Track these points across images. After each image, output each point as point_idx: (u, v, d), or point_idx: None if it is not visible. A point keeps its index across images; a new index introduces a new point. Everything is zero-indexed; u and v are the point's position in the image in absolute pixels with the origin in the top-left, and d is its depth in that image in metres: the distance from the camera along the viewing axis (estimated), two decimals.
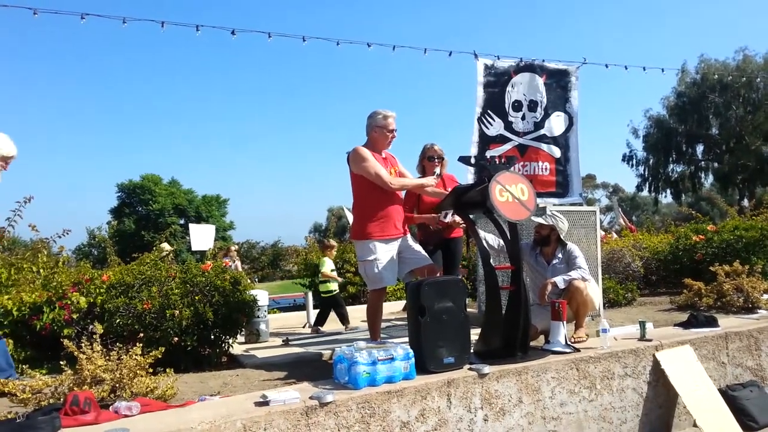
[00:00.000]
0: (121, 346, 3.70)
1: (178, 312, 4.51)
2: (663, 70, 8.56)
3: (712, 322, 5.03)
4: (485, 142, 6.02)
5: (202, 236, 14.22)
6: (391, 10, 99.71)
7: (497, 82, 6.12)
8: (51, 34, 77.64)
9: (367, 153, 4.51)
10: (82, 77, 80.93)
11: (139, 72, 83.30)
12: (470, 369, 3.77)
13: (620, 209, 18.00)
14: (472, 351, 4.08)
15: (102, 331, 3.98)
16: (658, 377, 4.38)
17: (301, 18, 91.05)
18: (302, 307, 7.85)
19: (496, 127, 6.07)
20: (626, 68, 7.77)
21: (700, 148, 37.98)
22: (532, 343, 4.42)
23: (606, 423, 4.14)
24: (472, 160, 4.27)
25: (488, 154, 5.83)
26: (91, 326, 4.42)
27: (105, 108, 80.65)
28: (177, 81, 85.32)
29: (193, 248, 13.96)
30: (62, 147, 77.43)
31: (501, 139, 6.09)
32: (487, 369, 3.74)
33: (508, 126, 6.12)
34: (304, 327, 7.05)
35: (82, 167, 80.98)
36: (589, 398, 4.10)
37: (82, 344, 3.58)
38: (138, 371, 3.51)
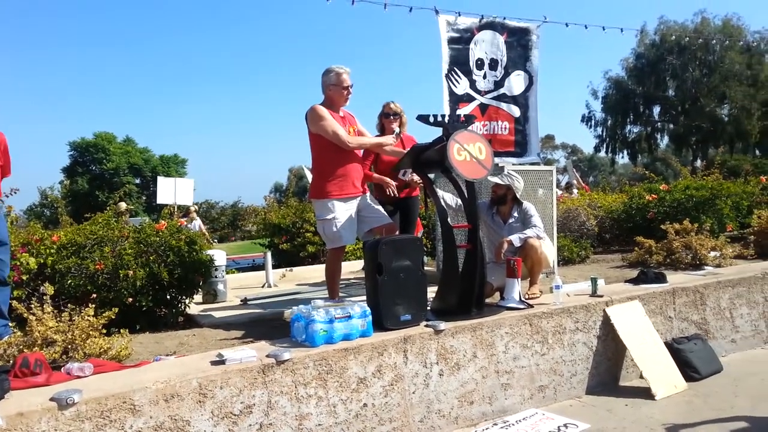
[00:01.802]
0: (74, 307, 3.63)
1: (131, 272, 4.44)
2: (622, 30, 8.56)
3: (661, 279, 5.19)
4: (455, 101, 5.95)
5: (170, 190, 13.90)
6: None
7: (461, 38, 6.03)
8: None
9: (324, 111, 4.45)
10: (39, 32, 77.23)
11: (91, 27, 79.90)
12: (426, 326, 3.82)
13: (574, 169, 18.31)
14: (429, 308, 4.13)
15: (53, 292, 3.89)
16: (608, 331, 4.53)
17: None
18: (261, 267, 7.81)
19: (463, 86, 6.02)
20: (586, 27, 7.74)
21: (657, 110, 38.66)
22: (487, 300, 4.50)
23: (557, 376, 4.28)
24: (431, 119, 4.24)
25: (458, 112, 5.81)
26: (41, 287, 4.31)
27: (58, 64, 77.40)
28: (132, 39, 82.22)
29: (159, 201, 13.64)
30: (10, 102, 74.29)
31: (468, 98, 6.05)
32: (442, 325, 3.81)
33: (473, 84, 6.08)
34: (263, 287, 7.03)
35: (31, 125, 77.97)
36: (541, 352, 4.22)
37: (32, 306, 3.49)
38: (91, 332, 3.45)
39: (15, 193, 6.02)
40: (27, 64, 74.68)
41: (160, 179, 14.72)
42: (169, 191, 13.82)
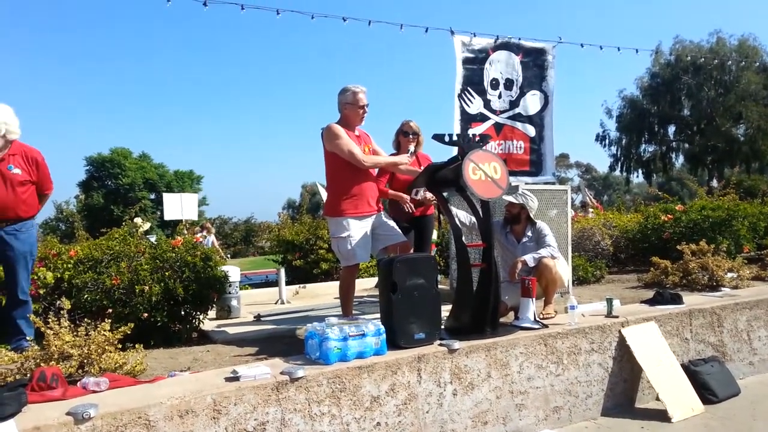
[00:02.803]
0: (90, 321, 3.66)
1: (147, 288, 4.47)
2: (637, 51, 8.61)
3: (677, 300, 5.14)
4: (467, 120, 5.98)
5: (176, 205, 14.01)
6: None
7: (476, 59, 6.07)
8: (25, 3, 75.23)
9: (340, 130, 4.49)
10: (56, 49, 78.57)
11: (112, 46, 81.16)
12: (440, 344, 3.81)
13: (586, 189, 18.28)
14: (442, 327, 4.12)
15: (69, 306, 3.94)
16: (624, 353, 4.49)
17: None
18: (274, 283, 7.82)
19: (476, 105, 6.04)
20: (601, 48, 7.80)
21: (671, 129, 38.47)
22: (501, 320, 4.48)
23: (572, 397, 4.24)
24: (446, 138, 4.26)
25: (470, 132, 5.83)
26: (58, 302, 4.36)
27: (76, 80, 78.63)
28: (151, 56, 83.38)
29: (166, 217, 13.78)
30: (28, 118, 75.48)
31: (481, 118, 6.07)
32: (457, 344, 3.79)
33: (487, 104, 6.10)
34: (276, 303, 7.04)
35: (48, 139, 79.06)
36: (556, 373, 4.19)
37: (49, 320, 3.53)
38: (106, 347, 3.48)
39: None
40: (46, 78, 75.98)
41: (166, 195, 14.88)
42: (176, 207, 13.95)
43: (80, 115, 78.58)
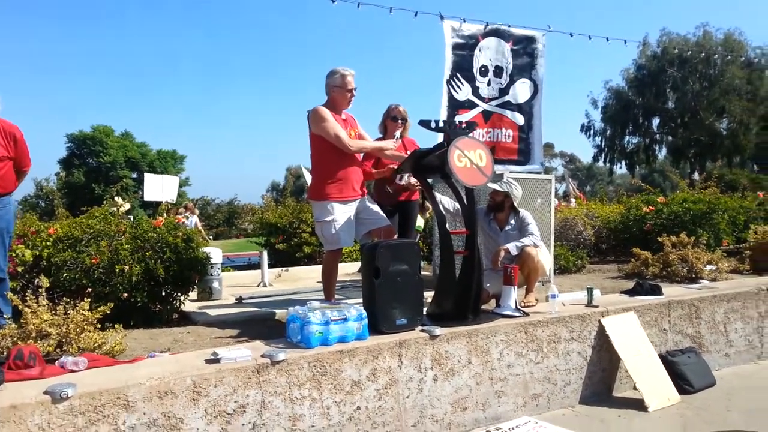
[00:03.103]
0: (69, 300, 3.62)
1: (128, 268, 4.43)
2: (626, 42, 8.60)
3: (657, 291, 5.20)
4: (454, 106, 5.94)
5: (157, 186, 13.86)
6: None
7: (465, 44, 6.02)
8: None
9: (326, 113, 4.45)
10: (41, 22, 77.01)
11: (94, 22, 79.65)
12: (422, 330, 3.82)
13: (570, 179, 18.43)
14: (425, 313, 4.13)
15: (48, 284, 3.87)
16: (603, 342, 4.53)
17: None
18: (257, 266, 7.80)
19: (465, 92, 6.01)
20: (590, 38, 7.77)
21: (656, 121, 38.79)
22: (483, 307, 4.50)
23: (551, 384, 4.28)
24: (432, 124, 4.24)
25: (457, 119, 5.80)
26: (36, 280, 4.29)
27: (60, 56, 77.21)
28: (138, 35, 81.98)
29: (146, 198, 13.64)
30: (10, 92, 74.00)
31: (469, 105, 6.03)
32: (438, 331, 3.80)
33: (475, 91, 6.07)
34: (258, 286, 7.02)
35: (28, 115, 77.75)
36: (535, 360, 4.22)
37: (27, 298, 3.48)
38: (85, 326, 3.44)
39: None
40: (29, 54, 74.52)
41: (148, 176, 14.70)
42: (157, 188, 13.79)
43: (62, 90, 77.15)
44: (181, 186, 45.97)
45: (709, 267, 6.34)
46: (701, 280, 6.06)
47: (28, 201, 37.88)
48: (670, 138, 38.10)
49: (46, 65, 74.56)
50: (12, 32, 73.88)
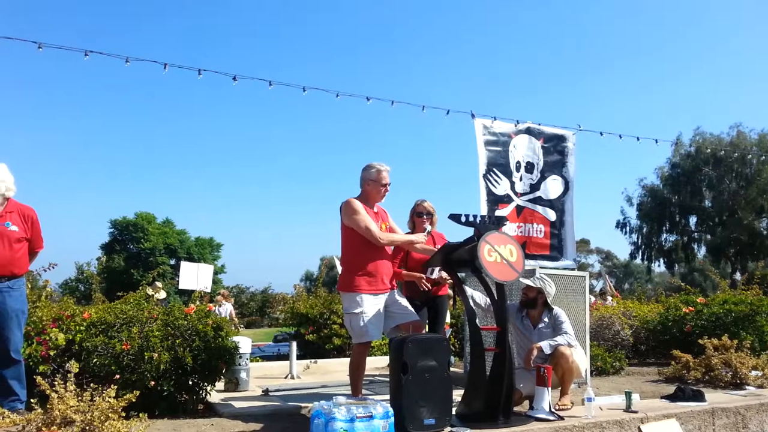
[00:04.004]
0: (96, 386, 3.62)
1: (156, 355, 4.43)
2: (657, 141, 8.70)
3: (699, 397, 4.96)
4: (494, 201, 5.99)
5: (192, 275, 14.02)
6: (390, 66, 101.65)
7: (498, 141, 6.15)
8: (53, 68, 78.68)
9: (358, 206, 4.53)
10: (87, 113, 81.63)
11: (142, 112, 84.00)
12: None
13: (607, 276, 18.12)
14: (453, 413, 4.00)
15: (77, 369, 3.89)
16: None
17: (301, 70, 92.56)
18: (286, 356, 7.72)
19: (503, 186, 6.08)
20: (620, 137, 7.89)
21: (693, 220, 38.29)
22: (516, 408, 4.34)
23: None
24: (462, 218, 4.28)
25: (497, 213, 5.85)
26: (67, 364, 4.32)
27: (106, 143, 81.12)
28: (179, 124, 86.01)
29: (181, 286, 13.78)
30: (55, 179, 77.38)
31: (507, 199, 6.10)
32: None
33: (512, 186, 6.15)
34: (286, 378, 6.92)
35: (75, 201, 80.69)
36: None
37: (56, 383, 3.49)
38: (110, 414, 3.42)
39: (53, 267, 6.18)
40: (79, 139, 78.34)
41: (184, 264, 14.88)
42: (192, 276, 13.93)
43: (106, 178, 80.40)
44: (216, 273, 46.57)
45: (754, 372, 6.05)
46: (747, 387, 5.77)
47: (69, 284, 38.73)
48: (708, 237, 37.42)
49: (94, 149, 78.13)
50: (66, 116, 78.24)
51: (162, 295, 5.79)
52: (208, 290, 14.25)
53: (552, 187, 6.38)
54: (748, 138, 34.23)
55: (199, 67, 6.11)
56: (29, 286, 5.75)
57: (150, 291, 6.07)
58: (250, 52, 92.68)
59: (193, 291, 8.62)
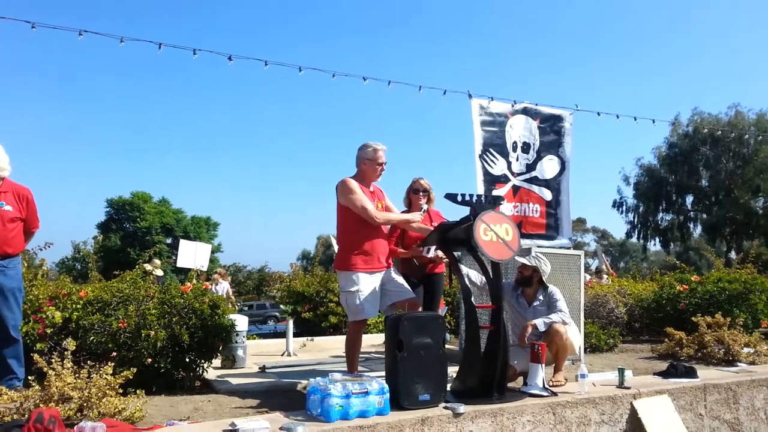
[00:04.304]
0: (93, 364, 3.64)
1: (153, 333, 4.45)
2: (654, 122, 8.67)
3: (691, 373, 5.01)
4: (491, 181, 5.99)
5: (191, 253, 14.04)
6: (388, 46, 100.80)
7: (494, 121, 6.14)
8: (47, 48, 77.86)
9: (354, 185, 4.53)
10: (85, 92, 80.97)
11: (139, 93, 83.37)
12: (445, 407, 3.73)
13: (603, 255, 18.14)
14: (448, 389, 4.04)
15: (74, 347, 3.92)
16: (635, 426, 4.35)
17: (298, 50, 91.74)
18: (283, 334, 7.76)
19: (500, 166, 6.07)
20: (617, 117, 7.86)
21: (689, 199, 38.38)
22: (510, 384, 4.39)
23: None
24: (459, 198, 4.28)
25: (494, 193, 5.86)
26: (64, 342, 4.35)
27: (102, 124, 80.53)
28: (175, 104, 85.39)
29: (179, 264, 13.81)
30: (52, 159, 77.03)
31: (504, 179, 6.11)
32: (462, 408, 3.71)
33: (509, 166, 6.15)
34: (282, 355, 6.97)
35: (71, 180, 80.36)
36: None
37: (53, 360, 3.52)
38: (107, 391, 3.45)
39: (49, 246, 6.16)
40: (76, 120, 77.76)
41: (183, 242, 14.86)
42: (190, 255, 13.94)
43: (104, 156, 79.90)
44: (213, 252, 46.55)
45: (746, 349, 6.11)
46: (739, 363, 5.83)
47: (65, 263, 38.75)
48: (704, 216, 37.56)
49: (91, 128, 77.61)
50: (68, 101, 77.65)
51: (159, 272, 5.80)
52: (205, 269, 14.28)
53: (548, 167, 6.38)
54: (746, 118, 34.19)
55: (194, 47, 6.05)
56: (26, 265, 5.76)
57: (148, 267, 6.08)
58: (245, 32, 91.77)
59: (190, 269, 8.65)
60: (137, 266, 6.03)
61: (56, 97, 78.22)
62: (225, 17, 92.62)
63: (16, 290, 4.26)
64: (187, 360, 4.79)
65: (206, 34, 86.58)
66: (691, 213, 38.65)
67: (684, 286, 8.49)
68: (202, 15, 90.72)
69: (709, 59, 78.84)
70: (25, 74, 74.69)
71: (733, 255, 29.28)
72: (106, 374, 3.52)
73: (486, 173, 5.99)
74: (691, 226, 39.18)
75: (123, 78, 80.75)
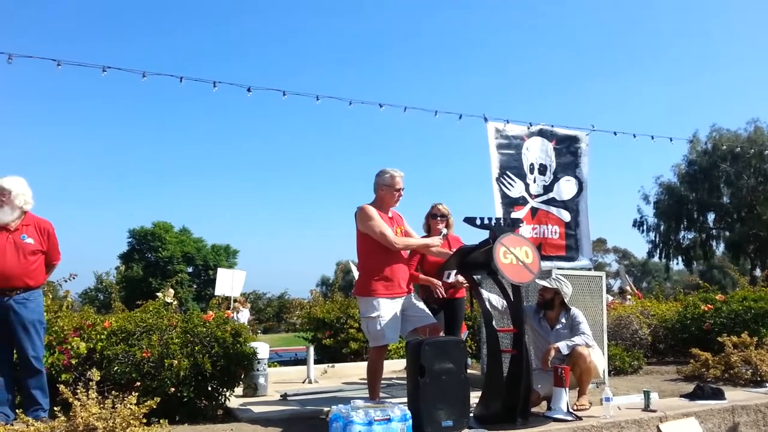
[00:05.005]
0: (118, 394, 3.68)
1: (176, 362, 4.49)
2: (671, 140, 8.63)
3: (719, 395, 4.93)
4: (509, 203, 6.00)
5: (228, 281, 14.23)
6: (403, 73, 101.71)
7: (510, 144, 6.16)
8: (73, 82, 79.71)
9: (373, 212, 4.57)
10: (107, 124, 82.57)
11: (158, 122, 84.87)
12: None
13: (627, 275, 17.84)
14: (471, 415, 4.01)
15: (99, 377, 3.96)
16: None
17: (315, 78, 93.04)
18: (304, 361, 7.76)
19: (518, 189, 6.09)
20: (635, 136, 7.85)
21: (711, 216, 37.86)
22: (533, 409, 4.34)
23: None
24: (477, 221, 4.30)
25: (513, 215, 5.86)
26: (88, 373, 4.39)
27: (124, 155, 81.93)
28: (194, 133, 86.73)
29: (217, 293, 13.95)
30: (75, 190, 78.34)
31: (523, 201, 6.12)
32: None
33: (527, 188, 6.16)
34: (303, 382, 6.96)
35: (94, 211, 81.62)
36: None
37: (78, 391, 3.56)
38: (131, 421, 3.48)
39: (74, 278, 6.27)
40: (97, 149, 79.19)
41: (221, 270, 15.05)
42: (227, 282, 14.13)
43: (126, 188, 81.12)
44: None
45: None
46: (767, 384, 5.71)
47: (88, 294, 39.15)
48: (727, 233, 36.99)
49: (114, 159, 78.99)
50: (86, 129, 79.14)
51: (169, 300, 5.85)
52: (238, 295, 14.41)
53: (565, 188, 6.37)
54: (766, 133, 33.82)
55: (213, 80, 6.18)
56: (50, 296, 5.85)
57: (159, 295, 6.16)
58: (263, 63, 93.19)
59: (211, 297, 8.73)
60: (158, 296, 6.10)
61: (79, 126, 79.73)
62: (244, 51, 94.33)
63: (36, 322, 4.31)
64: (210, 389, 4.81)
65: (225, 66, 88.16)
66: (714, 231, 38.10)
67: (708, 305, 8.36)
68: (222, 50, 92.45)
69: (725, 74, 78.44)
70: (49, 103, 76.57)
71: (758, 272, 28.76)
72: (131, 404, 3.54)
73: (504, 196, 6.00)
74: (714, 244, 38.57)
75: (145, 109, 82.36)
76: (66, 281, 6.21)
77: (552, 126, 6.43)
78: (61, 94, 76.42)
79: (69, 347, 4.76)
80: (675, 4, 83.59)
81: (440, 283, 5.10)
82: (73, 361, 4.70)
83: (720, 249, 38.65)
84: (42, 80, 71.35)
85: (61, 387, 3.69)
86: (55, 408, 4.05)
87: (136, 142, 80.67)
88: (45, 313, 5.06)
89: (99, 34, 79.18)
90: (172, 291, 6.23)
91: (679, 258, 39.36)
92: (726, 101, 77.45)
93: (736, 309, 7.92)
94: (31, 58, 5.56)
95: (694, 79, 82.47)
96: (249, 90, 6.30)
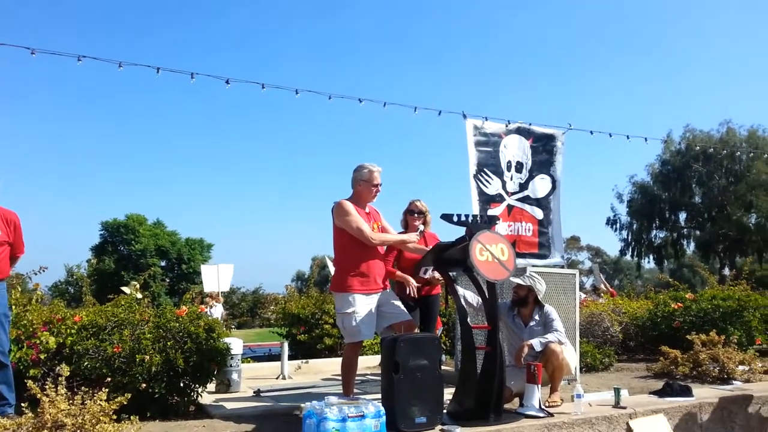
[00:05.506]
0: (88, 389, 3.62)
1: (148, 357, 4.43)
2: (646, 140, 8.73)
3: (687, 392, 5.02)
4: (486, 200, 6.04)
5: (213, 277, 14.06)
6: (379, 68, 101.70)
7: (488, 141, 6.19)
8: (47, 73, 78.04)
9: (350, 207, 4.55)
10: (80, 114, 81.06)
11: (134, 114, 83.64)
12: (442, 430, 3.72)
13: (600, 273, 18.05)
14: (444, 411, 4.03)
15: (68, 373, 3.89)
16: None
17: (294, 72, 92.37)
18: (278, 356, 7.71)
19: (494, 186, 6.12)
20: (610, 135, 7.92)
21: (682, 216, 38.53)
22: (506, 406, 4.38)
23: None
24: (454, 218, 4.31)
25: (489, 212, 5.89)
26: (58, 368, 4.31)
27: (98, 146, 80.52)
28: (170, 126, 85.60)
29: (205, 290, 13.80)
30: (46, 178, 76.97)
31: (499, 198, 6.16)
32: (458, 431, 3.70)
33: (504, 185, 6.20)
34: (277, 378, 6.93)
35: (66, 202, 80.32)
36: None
37: (47, 386, 3.49)
38: (101, 417, 3.43)
39: (43, 270, 6.16)
40: (68, 141, 77.77)
41: (204, 267, 14.87)
42: (213, 278, 13.98)
43: (98, 179, 79.74)
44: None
45: (741, 367, 6.12)
46: (734, 381, 5.84)
47: (58, 287, 38.49)
48: (697, 233, 37.68)
49: (83, 150, 77.61)
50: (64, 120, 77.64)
51: (138, 295, 5.75)
52: (227, 289, 14.23)
53: (540, 186, 6.43)
54: (738, 134, 34.48)
55: (192, 71, 6.09)
56: (18, 289, 5.74)
57: (125, 289, 6.08)
58: (242, 55, 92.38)
59: (184, 293, 8.60)
60: (123, 290, 6.01)
61: (50, 117, 78.25)
62: (222, 42, 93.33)
63: (2, 315, 4.21)
64: (182, 385, 4.76)
65: (203, 58, 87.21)
66: (684, 230, 38.78)
67: (678, 303, 8.51)
68: (199, 39, 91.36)
69: (699, 74, 79.80)
70: (21, 93, 75.00)
71: (726, 272, 29.30)
72: (101, 400, 3.49)
73: (481, 193, 6.03)
74: (685, 243, 39.28)
75: (121, 100, 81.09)
76: (36, 274, 6.10)
77: (530, 124, 6.47)
78: (34, 83, 74.78)
79: (38, 342, 4.67)
80: (654, 3, 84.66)
81: (414, 282, 5.10)
82: (42, 356, 4.61)
83: (690, 248, 39.38)
84: (16, 67, 69.93)
85: (29, 382, 3.62)
86: (23, 404, 3.96)
87: (111, 133, 79.45)
88: (13, 307, 4.97)
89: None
90: (136, 284, 6.12)
91: (651, 256, 40.01)
92: (699, 102, 78.89)
93: (705, 308, 8.08)
94: (4, 46, 5.40)
95: (670, 80, 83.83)
96: (227, 82, 6.22)
